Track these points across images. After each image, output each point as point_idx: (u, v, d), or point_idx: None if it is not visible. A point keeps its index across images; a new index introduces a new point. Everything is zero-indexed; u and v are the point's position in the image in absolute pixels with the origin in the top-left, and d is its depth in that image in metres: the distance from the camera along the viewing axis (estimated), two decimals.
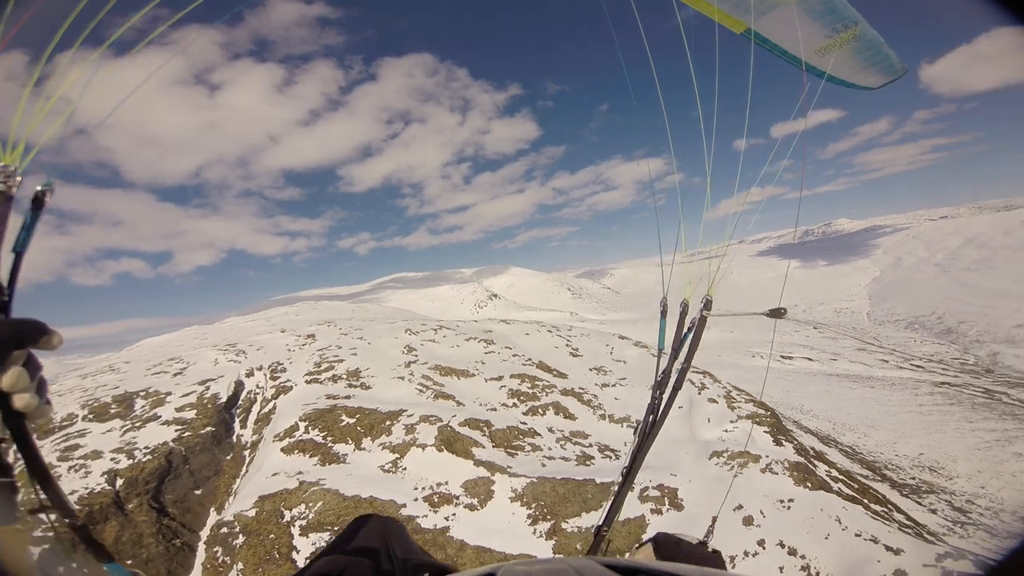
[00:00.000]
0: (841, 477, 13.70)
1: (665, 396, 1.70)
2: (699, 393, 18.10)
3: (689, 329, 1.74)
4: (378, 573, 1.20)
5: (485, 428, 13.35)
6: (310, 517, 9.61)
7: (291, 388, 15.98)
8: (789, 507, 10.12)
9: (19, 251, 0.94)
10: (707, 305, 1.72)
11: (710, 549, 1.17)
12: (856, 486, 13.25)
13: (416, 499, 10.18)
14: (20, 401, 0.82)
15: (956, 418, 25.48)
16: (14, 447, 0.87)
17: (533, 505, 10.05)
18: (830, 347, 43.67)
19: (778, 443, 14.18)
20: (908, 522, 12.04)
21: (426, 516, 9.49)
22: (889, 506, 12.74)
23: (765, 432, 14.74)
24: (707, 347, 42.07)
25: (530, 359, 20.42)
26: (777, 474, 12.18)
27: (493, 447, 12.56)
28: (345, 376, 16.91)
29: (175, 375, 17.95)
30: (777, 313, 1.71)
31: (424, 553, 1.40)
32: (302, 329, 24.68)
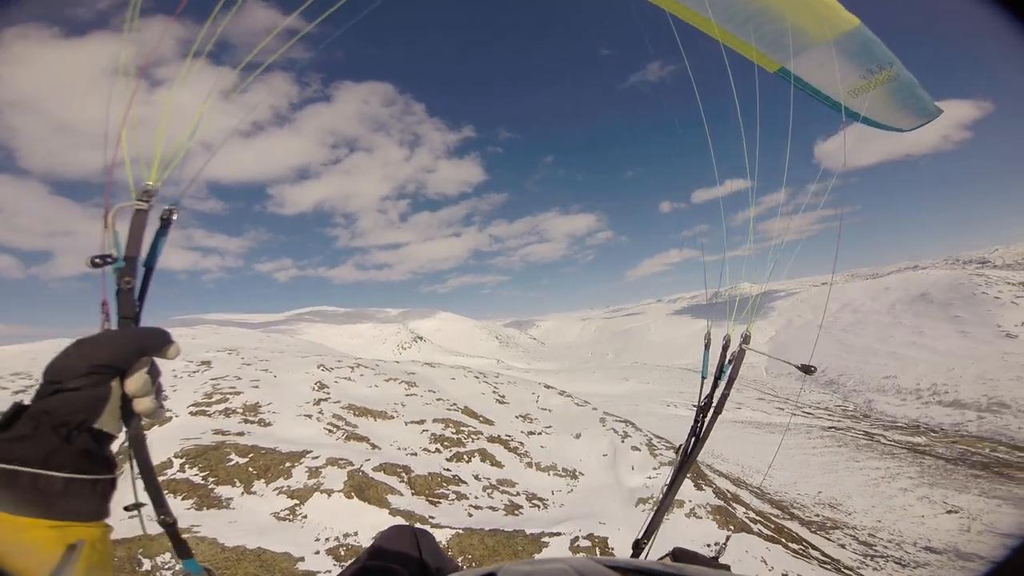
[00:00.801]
0: (758, 518, 14.01)
1: (707, 419, 1.81)
2: (622, 441, 18.13)
3: (729, 361, 1.86)
4: None
5: (404, 474, 12.08)
6: (177, 568, 7.76)
7: (168, 420, 13.61)
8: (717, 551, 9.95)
9: (150, 266, 0.99)
10: (746, 339, 1.86)
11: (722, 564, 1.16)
12: (772, 526, 13.57)
13: (318, 552, 8.67)
14: (141, 405, 0.86)
15: (844, 458, 27.83)
16: (127, 447, 0.93)
17: (460, 559, 8.97)
18: (735, 397, 46.76)
19: (699, 487, 14.34)
20: (824, 558, 12.41)
21: (329, 572, 8.05)
22: (804, 543, 13.12)
23: (687, 478, 14.88)
24: (626, 397, 43.97)
25: (455, 404, 19.42)
26: (701, 518, 12.18)
27: (413, 495, 11.32)
28: (241, 410, 14.81)
29: (16, 392, 14.79)
30: (807, 369, 1.82)
31: (455, 563, 1.40)
32: (196, 354, 21.74)
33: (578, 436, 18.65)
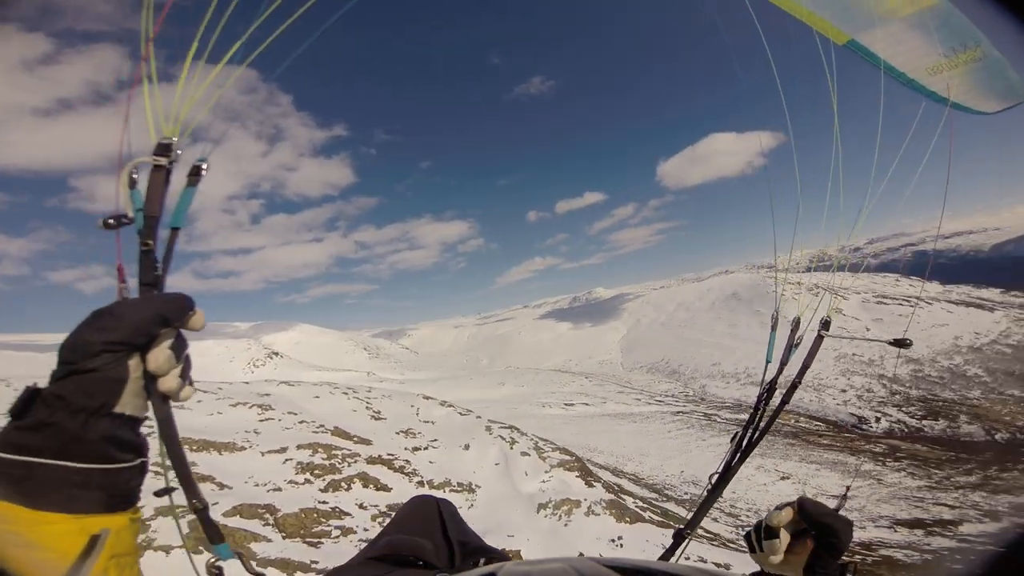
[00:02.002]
0: (645, 506, 14.59)
1: (770, 408, 1.60)
2: (511, 448, 17.71)
3: (796, 344, 1.65)
4: (438, 552, 1.20)
5: (268, 515, 9.70)
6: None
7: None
8: (621, 544, 9.87)
9: (177, 226, 0.92)
10: (825, 325, 1.64)
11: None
12: (658, 511, 14.20)
13: None
14: (165, 383, 0.78)
15: (694, 438, 31.55)
16: (155, 429, 0.86)
17: None
18: (600, 392, 50.52)
19: (589, 485, 14.48)
20: (708, 534, 13.27)
21: None
22: (683, 522, 13.92)
23: (577, 477, 15.01)
24: (505, 402, 44.34)
25: (323, 425, 16.88)
26: (599, 515, 12.13)
27: (285, 539, 9.09)
28: None
29: None
30: (902, 343, 1.57)
31: (477, 536, 1.42)
32: None
33: (467, 447, 17.69)
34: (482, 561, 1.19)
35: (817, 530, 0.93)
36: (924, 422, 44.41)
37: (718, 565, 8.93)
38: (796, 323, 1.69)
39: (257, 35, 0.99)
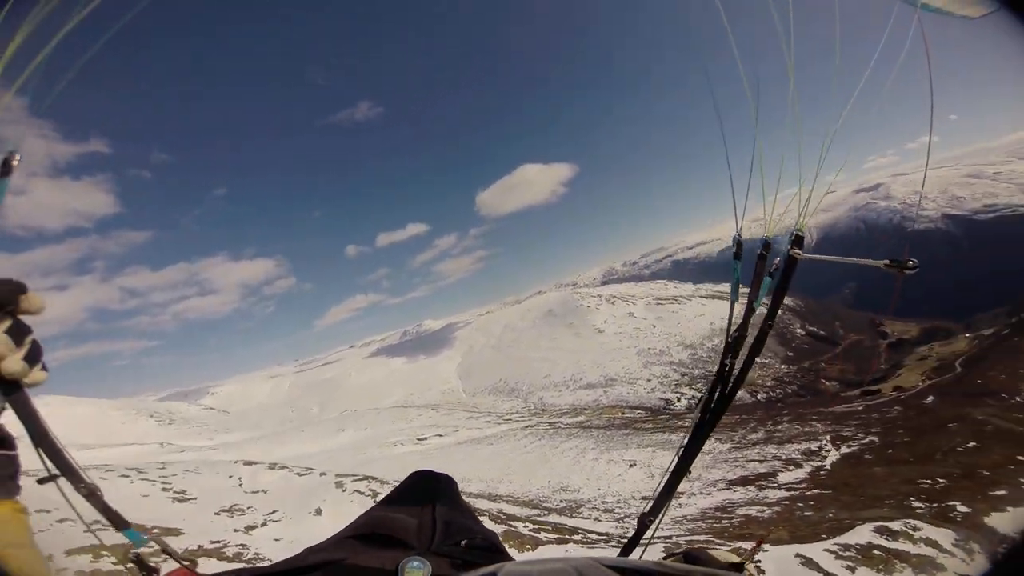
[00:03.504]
0: (535, 526, 13.73)
1: (739, 361, 1.32)
2: (374, 500, 15.15)
3: (770, 273, 1.30)
4: (419, 531, 1.16)
5: None
6: None
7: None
8: None
9: None
10: (797, 242, 1.26)
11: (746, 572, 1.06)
12: (550, 527, 13.48)
13: None
14: (7, 367, 0.78)
15: (548, 447, 32.50)
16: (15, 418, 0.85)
17: None
18: (450, 421, 48.99)
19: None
20: (600, 536, 12.96)
21: None
22: (580, 532, 13.50)
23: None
24: (350, 449, 39.43)
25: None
26: None
27: None
28: None
29: None
30: (903, 264, 1.15)
31: (471, 518, 1.32)
32: None
33: (318, 512, 14.54)
34: (463, 543, 1.11)
35: None
36: None
37: None
38: (766, 247, 1.37)
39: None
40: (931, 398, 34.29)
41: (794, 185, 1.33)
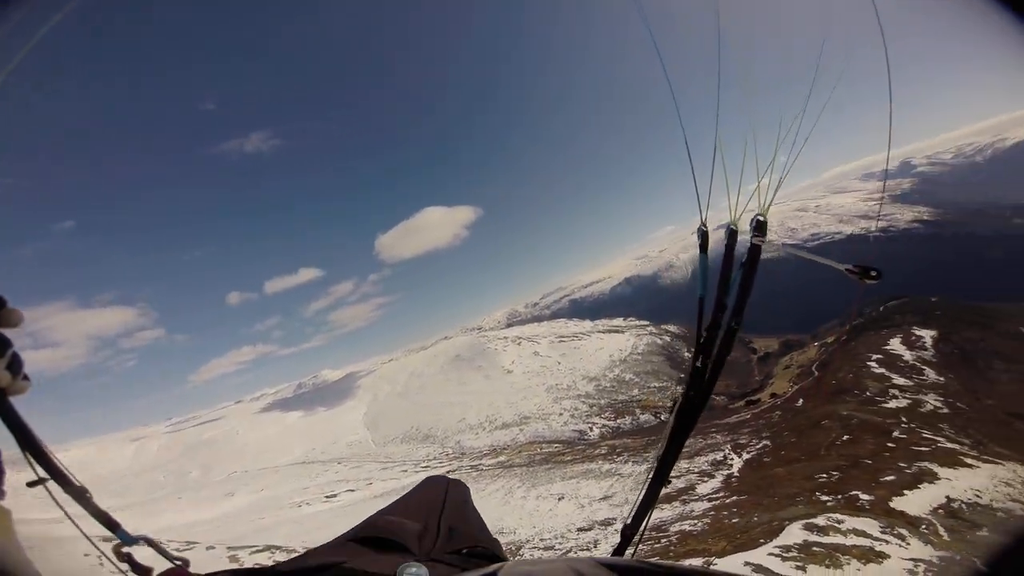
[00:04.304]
0: None
1: (710, 361, 1.27)
2: None
3: (741, 266, 1.22)
4: (422, 536, 1.19)
5: None
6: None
7: None
8: None
9: None
10: (760, 228, 1.21)
11: None
12: None
13: None
14: None
15: (474, 491, 29.91)
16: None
17: None
18: (361, 474, 45.08)
19: None
20: None
21: None
22: None
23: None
24: (243, 514, 34.27)
25: None
26: None
27: None
28: None
29: None
30: (867, 273, 1.11)
31: (477, 525, 1.38)
32: None
33: None
34: (464, 551, 1.14)
35: None
36: (618, 421, 57.60)
37: None
38: (731, 236, 1.31)
39: None
40: (801, 400, 39.57)
41: (751, 179, 1.31)
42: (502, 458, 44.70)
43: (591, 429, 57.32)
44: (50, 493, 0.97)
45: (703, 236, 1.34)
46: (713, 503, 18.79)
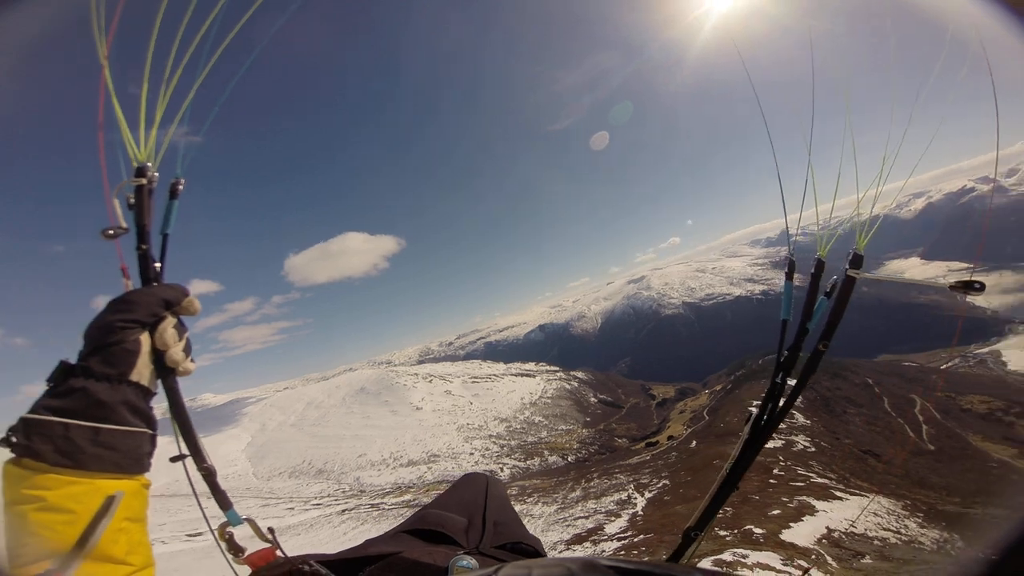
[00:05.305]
0: None
1: (791, 380, 1.40)
2: None
3: (827, 294, 1.33)
4: (469, 530, 1.24)
5: None
6: None
7: None
8: None
9: (167, 232, 1.08)
10: (855, 261, 1.29)
11: None
12: None
13: None
14: (171, 357, 0.93)
15: (372, 531, 28.83)
16: (165, 402, 0.97)
17: None
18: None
19: None
20: None
21: None
22: None
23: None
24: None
25: None
26: None
27: None
28: None
29: None
30: (971, 287, 1.15)
31: (516, 521, 1.43)
32: None
33: None
34: (508, 546, 1.20)
35: None
36: (528, 462, 57.37)
37: None
38: (819, 266, 1.40)
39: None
40: (694, 442, 42.63)
41: (846, 209, 1.39)
42: (407, 496, 42.16)
43: (502, 469, 56.48)
44: (185, 470, 1.02)
45: (790, 265, 1.43)
46: (622, 542, 19.27)
